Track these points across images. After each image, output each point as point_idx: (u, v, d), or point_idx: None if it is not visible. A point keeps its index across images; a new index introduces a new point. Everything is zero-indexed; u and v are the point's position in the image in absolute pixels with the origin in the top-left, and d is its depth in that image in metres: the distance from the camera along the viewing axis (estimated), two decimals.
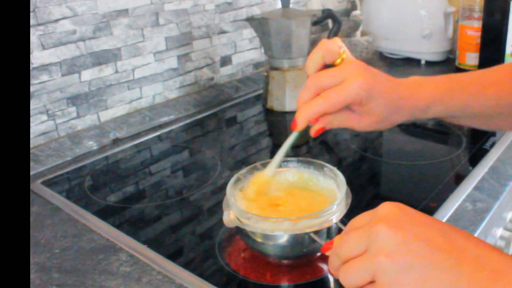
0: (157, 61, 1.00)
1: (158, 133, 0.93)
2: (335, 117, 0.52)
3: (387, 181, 0.78)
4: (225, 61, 1.15)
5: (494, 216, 0.64)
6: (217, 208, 0.66)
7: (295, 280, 0.53)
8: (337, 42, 0.53)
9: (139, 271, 0.55)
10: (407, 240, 0.32)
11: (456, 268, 0.31)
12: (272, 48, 0.99)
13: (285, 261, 0.55)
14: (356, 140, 0.88)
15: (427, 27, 1.25)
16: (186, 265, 0.55)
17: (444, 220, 0.61)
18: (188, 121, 0.99)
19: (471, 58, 1.14)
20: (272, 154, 0.86)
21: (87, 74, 0.89)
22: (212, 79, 1.13)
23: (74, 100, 0.88)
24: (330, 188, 0.56)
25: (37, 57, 0.81)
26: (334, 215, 0.50)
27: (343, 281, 0.35)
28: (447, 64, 1.28)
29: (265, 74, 1.03)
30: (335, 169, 0.56)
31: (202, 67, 1.10)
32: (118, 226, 0.64)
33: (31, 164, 0.79)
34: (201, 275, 0.53)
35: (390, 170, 0.79)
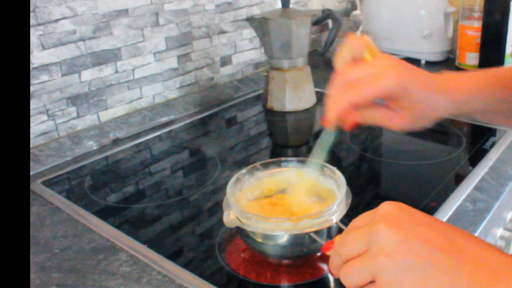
0: (157, 61, 1.00)
1: (158, 133, 0.93)
2: (369, 112, 0.49)
3: (387, 181, 0.78)
4: (225, 61, 1.15)
5: (494, 216, 0.64)
6: (217, 208, 0.66)
7: (295, 280, 0.53)
8: (367, 38, 0.51)
9: (139, 271, 0.55)
10: (407, 239, 0.32)
11: (456, 268, 0.31)
12: (272, 48, 0.99)
13: (285, 261, 0.55)
14: (356, 140, 0.88)
15: (427, 27, 1.25)
16: (186, 265, 0.55)
17: (444, 220, 0.61)
18: (188, 121, 0.99)
19: (471, 58, 1.14)
20: (272, 154, 0.86)
21: (87, 74, 0.89)
22: (212, 79, 1.13)
23: (74, 100, 0.88)
24: (330, 188, 0.56)
25: (37, 57, 0.81)
26: (334, 215, 0.50)
27: (343, 281, 0.35)
28: (447, 64, 1.28)
29: (265, 74, 1.03)
30: (335, 169, 0.56)
31: (202, 67, 1.10)
32: (118, 226, 0.64)
33: (31, 164, 0.79)
34: (201, 275, 0.53)
35: (390, 170, 0.79)
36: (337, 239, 0.38)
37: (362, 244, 0.34)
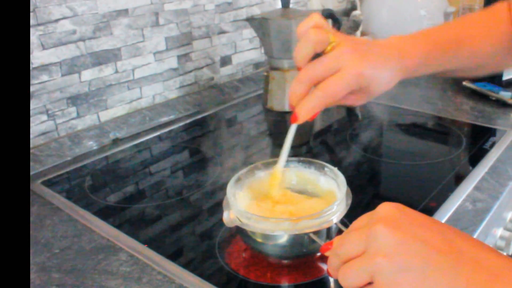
0: (157, 61, 1.00)
1: (158, 133, 0.93)
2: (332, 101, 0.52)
3: (387, 181, 0.78)
4: (225, 61, 1.15)
5: (494, 216, 0.64)
6: (217, 208, 0.66)
7: (295, 280, 0.53)
8: (324, 26, 0.51)
9: (139, 271, 0.55)
10: (405, 240, 0.32)
11: (454, 269, 0.31)
12: (272, 48, 0.99)
13: (285, 261, 0.55)
14: (356, 140, 0.88)
15: (427, 27, 1.25)
16: (186, 265, 0.55)
17: (444, 220, 0.61)
18: (188, 121, 0.99)
19: None
20: (272, 154, 0.86)
21: (87, 74, 0.89)
22: (212, 79, 1.13)
23: (74, 100, 0.88)
24: (331, 189, 0.56)
25: (37, 57, 0.81)
26: (334, 216, 0.50)
27: (342, 282, 0.35)
28: None
29: (265, 74, 1.03)
30: (335, 169, 0.56)
31: (202, 67, 1.10)
32: (118, 226, 0.64)
33: (31, 164, 0.79)
34: (201, 275, 0.53)
35: (390, 170, 0.79)
36: (336, 240, 0.38)
37: (360, 245, 0.34)
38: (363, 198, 0.69)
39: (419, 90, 1.10)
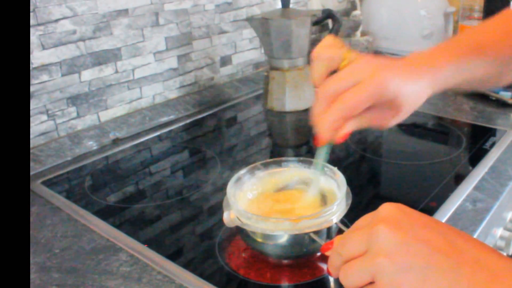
0: (157, 61, 1.00)
1: (158, 133, 0.93)
2: (361, 120, 0.48)
3: (387, 181, 0.78)
4: (225, 61, 1.15)
5: (494, 216, 0.64)
6: (217, 208, 0.66)
7: (295, 280, 0.53)
8: (337, 45, 0.49)
9: (139, 271, 0.55)
10: (406, 241, 0.32)
11: (456, 270, 0.31)
12: (272, 48, 0.99)
13: (285, 261, 0.55)
14: (356, 140, 0.88)
15: (427, 27, 1.25)
16: (186, 265, 0.55)
17: (444, 220, 0.61)
18: (188, 121, 0.99)
19: None
20: (272, 154, 0.86)
21: (87, 74, 0.89)
22: (212, 79, 1.13)
23: (74, 100, 0.88)
24: (331, 188, 0.56)
25: (37, 57, 0.81)
26: (334, 215, 0.50)
27: (343, 281, 0.35)
28: None
29: (265, 74, 1.03)
30: (335, 169, 0.56)
31: (202, 67, 1.10)
32: (118, 226, 0.64)
33: (31, 164, 0.79)
34: (201, 275, 0.53)
35: (390, 170, 0.79)
36: (337, 239, 0.38)
37: (362, 244, 0.34)
38: (363, 198, 0.69)
39: None
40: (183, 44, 1.04)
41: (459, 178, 0.71)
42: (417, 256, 0.32)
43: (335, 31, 1.01)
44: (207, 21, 1.08)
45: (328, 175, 0.57)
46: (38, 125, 0.83)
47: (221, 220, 0.51)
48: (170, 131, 0.94)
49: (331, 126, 0.46)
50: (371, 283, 0.33)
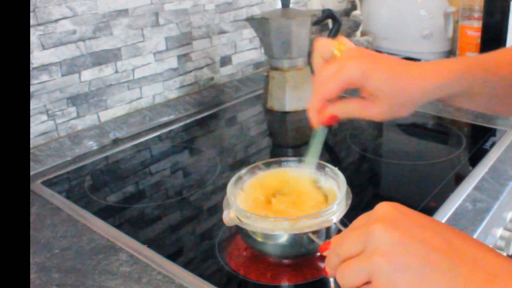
0: (157, 61, 1.00)
1: (158, 133, 0.93)
2: (344, 105, 0.51)
3: (387, 181, 0.78)
4: (225, 61, 1.15)
5: (494, 216, 0.64)
6: (217, 208, 0.66)
7: (295, 280, 0.53)
8: (336, 39, 0.52)
9: (139, 271, 0.55)
10: (403, 240, 0.32)
11: (453, 269, 0.31)
12: (272, 48, 0.99)
13: (285, 261, 0.55)
14: (356, 140, 0.88)
15: (427, 27, 1.25)
16: (186, 265, 0.55)
17: (444, 220, 0.61)
18: (188, 121, 0.99)
19: None
20: (272, 154, 0.86)
21: (87, 74, 0.89)
22: (212, 79, 1.13)
23: (74, 100, 0.88)
24: (331, 188, 0.56)
25: (37, 57, 0.81)
26: (334, 215, 0.50)
27: (340, 281, 0.35)
28: None
29: (265, 74, 1.03)
30: (336, 169, 0.56)
31: (202, 67, 1.10)
32: (118, 226, 0.64)
33: (31, 164, 0.79)
34: (201, 275, 0.53)
35: (390, 170, 0.79)
36: (334, 239, 0.38)
37: (358, 244, 0.34)
38: (363, 198, 0.69)
39: None
40: (183, 44, 1.04)
41: (459, 178, 0.71)
42: (414, 256, 0.32)
43: (335, 31, 1.01)
44: (207, 21, 1.08)
45: (328, 175, 0.57)
46: (38, 125, 0.83)
47: (221, 220, 0.51)
48: (170, 131, 0.94)
49: (315, 108, 0.51)
50: (368, 282, 0.33)
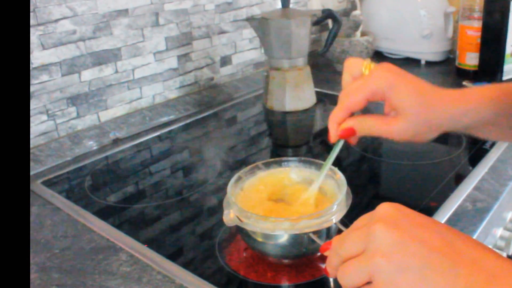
0: (157, 61, 1.00)
1: (158, 133, 0.93)
2: (365, 118, 0.49)
3: (387, 181, 0.78)
4: (225, 61, 1.15)
5: (494, 216, 0.64)
6: (217, 208, 0.66)
7: (295, 280, 0.53)
8: (364, 60, 0.52)
9: (139, 271, 0.55)
10: (404, 240, 0.32)
11: (453, 270, 0.31)
12: (272, 48, 0.99)
13: (285, 261, 0.55)
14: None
15: (427, 27, 1.25)
16: (186, 265, 0.55)
17: (444, 220, 0.61)
18: (188, 121, 0.99)
19: (471, 58, 1.14)
20: (272, 154, 0.86)
21: (87, 74, 0.89)
22: (212, 79, 1.13)
23: (74, 100, 0.88)
24: (331, 188, 0.56)
25: (37, 57, 0.81)
26: (334, 215, 0.50)
27: (341, 281, 0.35)
28: (447, 64, 1.28)
29: (265, 74, 1.03)
30: (336, 169, 0.56)
31: (202, 67, 1.10)
32: (118, 226, 0.64)
33: (31, 164, 0.79)
34: (201, 275, 0.53)
35: (390, 170, 0.79)
36: (335, 239, 0.38)
37: (359, 244, 0.34)
38: (363, 198, 0.69)
39: None
40: (183, 44, 1.04)
41: (459, 178, 0.71)
42: (414, 256, 0.32)
43: (335, 31, 1.01)
44: (207, 21, 1.08)
45: (328, 175, 0.57)
46: (38, 125, 0.83)
47: (221, 220, 0.51)
48: (170, 131, 0.94)
49: (336, 119, 0.49)
50: (369, 282, 0.33)
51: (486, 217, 0.62)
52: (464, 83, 1.07)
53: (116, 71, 0.93)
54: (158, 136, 0.93)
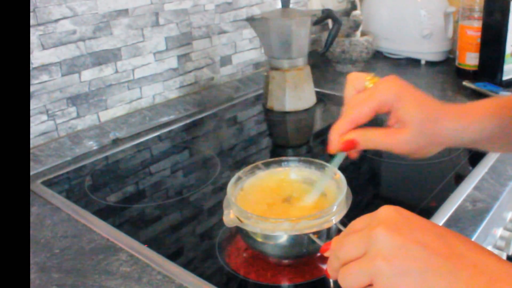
0: (157, 61, 1.00)
1: (158, 133, 0.93)
2: (367, 131, 0.49)
3: (387, 181, 0.78)
4: (225, 61, 1.15)
5: (494, 216, 0.64)
6: (217, 208, 0.66)
7: (295, 280, 0.53)
8: (367, 74, 0.52)
9: (139, 271, 0.55)
10: (405, 244, 0.32)
11: (454, 273, 0.31)
12: (272, 48, 0.99)
13: (285, 261, 0.55)
14: None
15: (427, 27, 1.25)
16: (186, 265, 0.55)
17: (444, 220, 0.61)
18: (188, 121, 0.99)
19: (471, 58, 1.14)
20: (272, 154, 0.86)
21: (87, 74, 0.89)
22: (212, 79, 1.13)
23: (74, 100, 0.88)
24: (331, 189, 0.56)
25: (37, 57, 0.81)
26: (334, 216, 0.50)
27: (341, 283, 0.35)
28: (447, 64, 1.28)
29: (265, 74, 1.03)
30: (336, 169, 0.56)
31: (202, 67, 1.10)
32: (118, 226, 0.64)
33: (31, 164, 0.79)
34: (201, 275, 0.53)
35: (390, 170, 0.79)
36: (334, 241, 0.38)
37: (360, 247, 0.34)
38: (363, 198, 0.69)
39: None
40: (183, 44, 1.04)
41: (459, 178, 0.71)
42: (415, 260, 0.32)
43: (335, 31, 1.01)
44: (207, 21, 1.08)
45: (328, 175, 0.57)
46: (38, 125, 0.83)
47: (221, 220, 0.51)
48: (170, 131, 0.94)
49: (340, 130, 0.49)
50: (370, 285, 0.33)
51: (486, 217, 0.62)
52: (464, 83, 1.07)
53: (116, 71, 0.93)
54: (158, 136, 0.92)
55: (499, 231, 0.71)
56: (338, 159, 0.52)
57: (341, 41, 1.21)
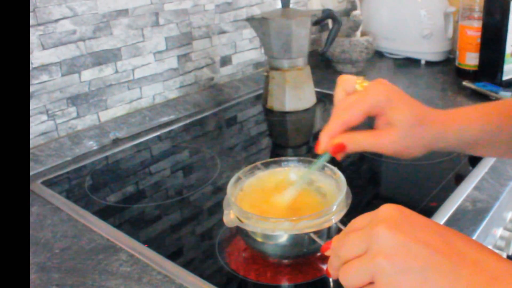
0: (157, 61, 1.00)
1: (158, 133, 0.93)
2: (355, 134, 0.50)
3: (387, 181, 0.78)
4: (225, 61, 1.15)
5: (494, 216, 0.64)
6: (217, 208, 0.66)
7: (295, 280, 0.53)
8: (357, 77, 0.53)
9: (139, 271, 0.55)
10: (406, 242, 0.32)
11: (455, 271, 0.31)
12: (272, 48, 0.99)
13: (285, 261, 0.55)
14: None
15: (427, 27, 1.25)
16: (186, 265, 0.55)
17: (444, 220, 0.61)
18: (188, 121, 0.99)
19: (471, 58, 1.14)
20: (272, 154, 0.86)
21: (87, 74, 0.89)
22: (212, 79, 1.13)
23: (74, 100, 0.88)
24: (331, 188, 0.56)
25: (37, 57, 0.81)
26: (334, 216, 0.50)
27: (342, 282, 0.35)
28: (447, 64, 1.28)
29: (265, 74, 1.03)
30: (335, 169, 0.56)
31: (202, 67, 1.10)
32: (118, 226, 0.64)
33: (31, 164, 0.79)
34: (201, 275, 0.53)
35: (390, 170, 0.79)
36: (335, 240, 0.38)
37: (361, 245, 0.34)
38: (363, 198, 0.69)
39: (419, 90, 1.10)
40: (183, 44, 1.04)
41: (459, 178, 0.71)
42: (416, 258, 0.32)
43: (335, 31, 1.01)
44: (207, 21, 1.08)
45: (328, 175, 0.57)
46: (38, 125, 0.83)
47: (221, 220, 0.51)
48: (170, 131, 0.94)
49: (330, 132, 0.49)
50: (371, 283, 0.33)
51: (486, 217, 0.62)
52: (464, 83, 1.07)
53: (116, 71, 0.93)
54: (158, 136, 0.93)
55: (499, 231, 0.71)
56: (324, 159, 0.53)
57: (341, 41, 1.21)
